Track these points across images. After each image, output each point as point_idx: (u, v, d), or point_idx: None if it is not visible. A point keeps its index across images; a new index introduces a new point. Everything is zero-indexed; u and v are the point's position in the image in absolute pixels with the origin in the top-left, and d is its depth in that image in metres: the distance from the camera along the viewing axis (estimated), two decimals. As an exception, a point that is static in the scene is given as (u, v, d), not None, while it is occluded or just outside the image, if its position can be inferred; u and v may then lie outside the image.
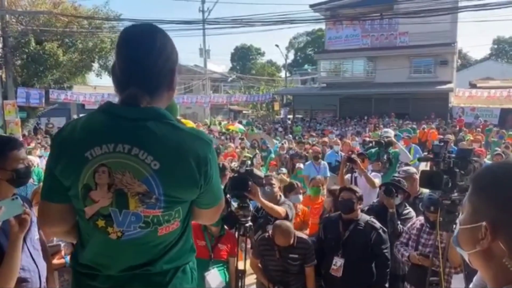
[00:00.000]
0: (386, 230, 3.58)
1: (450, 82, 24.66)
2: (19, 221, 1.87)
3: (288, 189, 4.92)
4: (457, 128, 17.18)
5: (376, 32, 26.91)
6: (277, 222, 3.48)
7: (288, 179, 6.30)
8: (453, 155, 3.03)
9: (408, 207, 4.16)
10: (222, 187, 1.55)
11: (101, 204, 1.26)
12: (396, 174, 4.73)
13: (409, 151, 9.05)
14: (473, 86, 27.04)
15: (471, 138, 11.93)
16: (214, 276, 3.35)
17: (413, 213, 4.08)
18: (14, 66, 17.18)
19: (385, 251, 3.44)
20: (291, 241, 3.38)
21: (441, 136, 11.79)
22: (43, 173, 1.52)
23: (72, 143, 1.28)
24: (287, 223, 3.48)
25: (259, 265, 3.61)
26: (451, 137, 10.98)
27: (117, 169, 1.23)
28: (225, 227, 3.61)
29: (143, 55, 1.29)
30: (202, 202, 1.39)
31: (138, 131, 1.24)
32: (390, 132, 7.34)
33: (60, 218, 1.35)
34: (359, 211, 3.61)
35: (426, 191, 3.97)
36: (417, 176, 4.39)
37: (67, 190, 1.30)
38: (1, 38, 16.33)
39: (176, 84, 1.42)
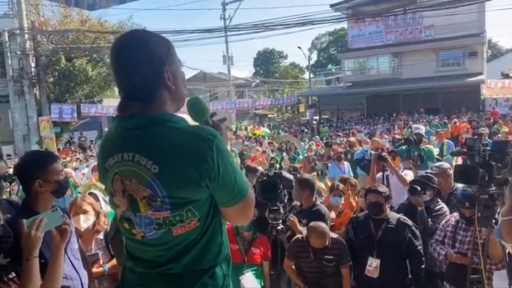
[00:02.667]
0: (418, 226, 3.54)
1: (480, 73, 23.89)
2: (60, 231, 1.94)
3: (329, 191, 4.91)
4: (491, 121, 16.59)
5: (400, 28, 26.41)
6: (312, 223, 3.45)
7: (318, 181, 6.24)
8: (489, 148, 2.94)
9: (440, 202, 4.05)
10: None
11: (122, 209, 1.39)
12: (429, 170, 4.62)
13: (442, 147, 8.84)
14: (505, 76, 26.06)
15: (506, 130, 11.50)
16: (249, 280, 3.36)
17: (445, 209, 3.97)
18: (47, 84, 17.86)
19: (419, 248, 3.39)
20: (326, 242, 3.36)
21: (473, 130, 11.43)
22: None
23: (99, 156, 1.47)
24: (322, 224, 3.45)
25: (293, 267, 3.59)
26: (485, 130, 10.61)
27: (126, 176, 1.32)
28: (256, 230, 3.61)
29: (123, 66, 1.34)
30: (219, 201, 1.37)
31: (137, 138, 1.31)
32: (421, 128, 7.17)
33: None
34: (388, 210, 3.55)
35: (461, 186, 3.86)
36: (451, 172, 4.27)
37: None
38: (34, 58, 17.01)
39: (176, 79, 1.39)
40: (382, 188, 3.64)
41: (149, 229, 1.34)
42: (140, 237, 1.37)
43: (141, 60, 1.31)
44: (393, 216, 3.51)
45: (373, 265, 3.35)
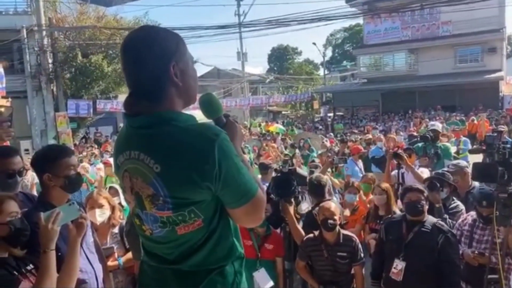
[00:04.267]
0: (455, 234, 3.32)
1: (499, 70, 23.45)
2: (76, 225, 1.97)
3: (344, 188, 4.90)
4: (508, 118, 16.22)
5: (416, 23, 26.06)
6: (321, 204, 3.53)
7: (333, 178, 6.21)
8: (508, 146, 2.88)
9: (455, 200, 3.98)
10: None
11: (132, 205, 1.42)
12: (446, 169, 4.55)
13: (459, 144, 8.69)
14: (526, 73, 25.51)
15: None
16: (263, 276, 3.35)
17: (461, 207, 3.90)
18: (64, 80, 18.11)
19: (453, 256, 3.15)
20: (336, 215, 3.32)
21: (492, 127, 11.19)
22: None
23: (113, 152, 1.50)
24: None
25: (306, 266, 3.57)
26: (504, 127, 10.37)
27: (133, 174, 1.34)
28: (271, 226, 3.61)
29: (129, 62, 1.33)
30: (225, 201, 1.33)
31: (142, 137, 1.31)
32: (438, 125, 7.05)
33: None
34: (426, 212, 3.33)
35: (479, 185, 3.79)
36: (469, 170, 4.20)
37: None
38: (51, 54, 17.27)
39: (184, 75, 1.36)
40: (423, 187, 3.47)
41: (155, 227, 1.35)
42: (149, 233, 1.39)
43: (146, 56, 1.30)
44: (430, 220, 3.26)
45: (398, 267, 3.20)
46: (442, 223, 3.29)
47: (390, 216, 3.81)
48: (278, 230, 3.62)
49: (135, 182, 1.33)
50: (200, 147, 1.24)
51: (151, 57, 1.30)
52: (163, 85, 1.32)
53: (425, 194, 3.32)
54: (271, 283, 3.41)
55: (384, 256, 3.39)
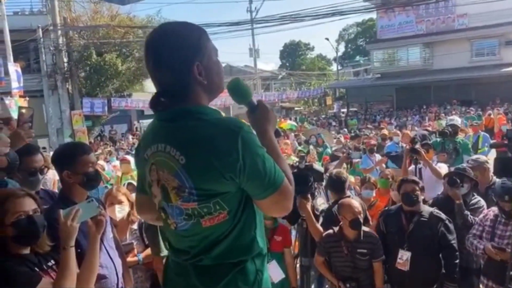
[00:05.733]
0: (451, 220, 3.43)
1: (518, 63, 22.90)
2: (95, 222, 1.98)
3: (360, 183, 4.87)
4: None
5: (431, 17, 25.63)
6: (343, 200, 3.50)
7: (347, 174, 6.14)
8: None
9: (476, 196, 3.92)
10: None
11: (158, 198, 1.42)
12: (465, 164, 4.47)
13: (478, 139, 8.52)
14: (544, 65, 24.87)
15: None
16: (275, 268, 3.35)
17: (482, 202, 3.85)
18: (79, 78, 18.29)
19: (452, 242, 3.30)
20: (360, 215, 3.27)
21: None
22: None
23: (140, 146, 1.51)
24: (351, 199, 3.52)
25: (325, 262, 3.54)
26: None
27: (160, 166, 1.35)
28: (277, 218, 3.59)
29: (153, 65, 1.34)
30: (251, 193, 1.34)
31: (169, 130, 1.34)
32: (457, 120, 6.92)
33: (147, 207, 1.53)
34: (421, 202, 3.49)
35: (499, 180, 3.71)
36: (489, 165, 4.13)
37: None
38: (66, 53, 17.47)
39: (209, 72, 1.36)
40: (417, 179, 3.61)
41: (180, 220, 1.35)
42: (173, 227, 1.39)
43: (169, 58, 1.31)
44: (426, 209, 3.44)
45: (403, 258, 3.31)
46: (439, 211, 3.43)
47: (387, 208, 3.88)
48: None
49: (162, 175, 1.35)
50: (223, 139, 1.25)
51: (174, 59, 1.30)
52: (187, 85, 1.34)
53: (420, 185, 3.49)
54: (282, 275, 3.41)
55: (386, 248, 3.44)
